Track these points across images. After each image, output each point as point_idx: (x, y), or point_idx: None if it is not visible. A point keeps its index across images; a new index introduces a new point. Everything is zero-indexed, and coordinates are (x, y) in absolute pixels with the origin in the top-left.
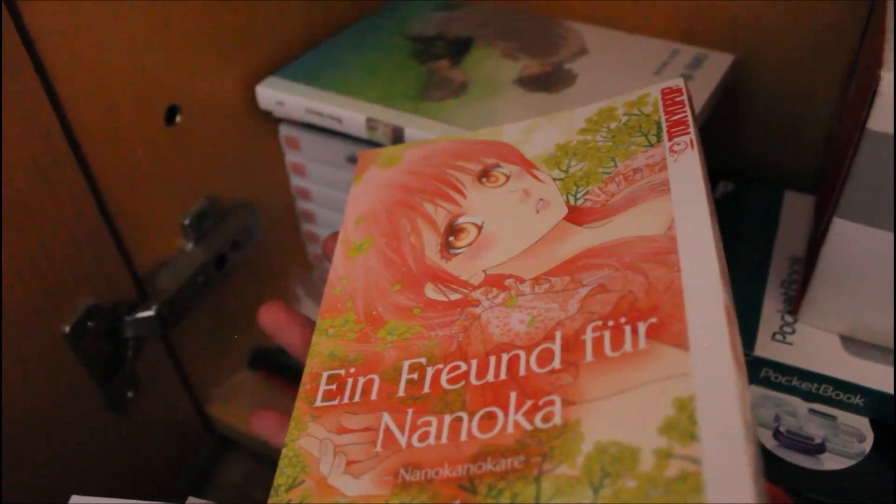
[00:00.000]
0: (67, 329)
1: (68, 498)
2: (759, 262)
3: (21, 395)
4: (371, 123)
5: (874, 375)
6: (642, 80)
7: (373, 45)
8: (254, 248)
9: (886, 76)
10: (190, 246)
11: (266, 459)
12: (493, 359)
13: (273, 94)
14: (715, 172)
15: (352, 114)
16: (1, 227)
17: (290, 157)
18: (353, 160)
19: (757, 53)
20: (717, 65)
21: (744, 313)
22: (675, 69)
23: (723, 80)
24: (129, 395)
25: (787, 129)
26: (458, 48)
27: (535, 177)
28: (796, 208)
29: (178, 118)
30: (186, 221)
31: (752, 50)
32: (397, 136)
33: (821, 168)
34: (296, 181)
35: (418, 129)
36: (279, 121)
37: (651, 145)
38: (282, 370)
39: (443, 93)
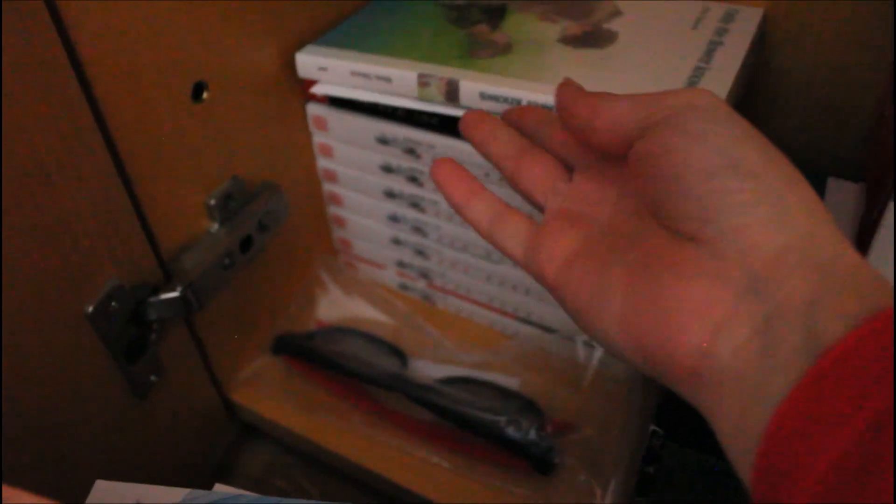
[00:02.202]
0: (90, 309)
1: (92, 483)
2: None
3: (42, 376)
4: (423, 79)
5: None
6: (682, 35)
7: (407, 13)
8: (278, 232)
9: None
10: (215, 227)
11: (290, 447)
12: None
13: (315, 60)
14: None
15: (402, 72)
16: (23, 201)
17: (318, 138)
18: (383, 141)
19: (789, 18)
20: (749, 18)
21: None
22: (710, 24)
23: (758, 32)
24: (153, 379)
25: (828, 112)
26: (494, 14)
27: None
28: (841, 195)
29: (204, 95)
30: (212, 202)
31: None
32: (452, 90)
33: (871, 153)
34: (323, 163)
35: (474, 81)
36: (307, 100)
37: None
38: (305, 355)
39: (489, 52)
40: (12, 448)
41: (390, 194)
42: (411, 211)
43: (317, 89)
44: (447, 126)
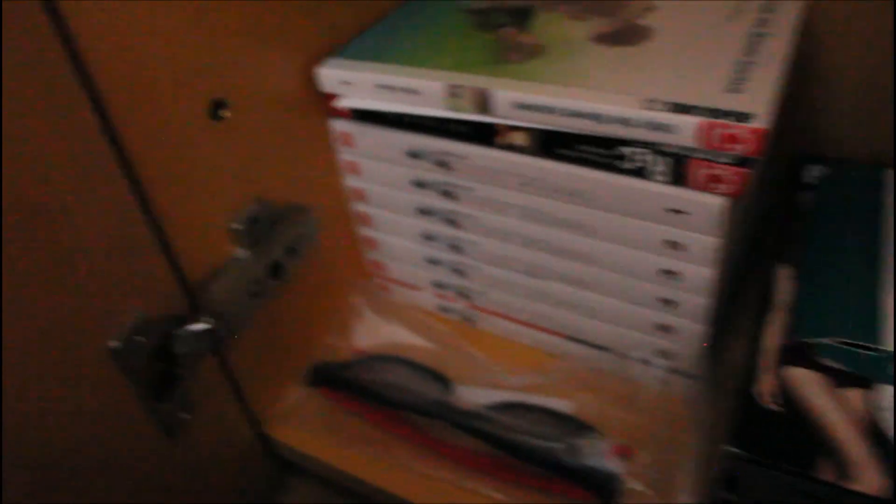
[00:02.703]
0: (115, 344)
1: None
2: (869, 245)
3: (65, 418)
4: (452, 90)
5: None
6: (720, 29)
7: (430, 21)
8: (307, 257)
9: None
10: (242, 252)
11: (331, 484)
12: None
13: (337, 74)
14: (803, 157)
15: (429, 83)
16: (38, 233)
17: (344, 155)
18: (413, 154)
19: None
20: (790, 8)
21: (859, 303)
22: (748, 16)
23: (800, 21)
24: (183, 416)
25: (881, 103)
26: (520, 15)
27: None
28: None
29: (224, 113)
30: (237, 226)
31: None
32: (483, 100)
33: None
34: (350, 181)
35: (507, 89)
36: (331, 115)
37: None
38: (344, 386)
39: (520, 55)
40: (38, 493)
41: (423, 211)
42: (446, 227)
43: (341, 103)
44: (480, 134)
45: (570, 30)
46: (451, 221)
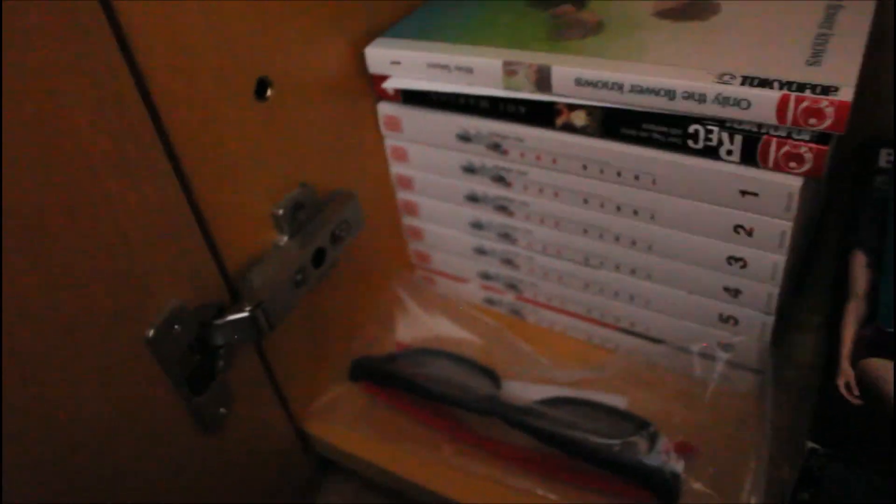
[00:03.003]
0: (151, 333)
1: None
2: None
3: (100, 409)
4: (510, 67)
5: None
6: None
7: None
8: (350, 246)
9: None
10: (284, 240)
11: (372, 482)
12: None
13: (387, 54)
14: (877, 140)
15: (485, 60)
16: (76, 215)
17: (391, 140)
18: (464, 137)
19: None
20: None
21: None
22: None
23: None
24: (222, 411)
25: None
26: None
27: None
28: None
29: (269, 92)
30: (280, 212)
31: None
32: (543, 77)
33: None
34: (396, 168)
35: (567, 65)
36: (378, 98)
37: None
38: (387, 380)
39: (579, 32)
40: (71, 487)
41: (473, 198)
42: (497, 215)
43: (390, 83)
44: (536, 115)
45: (632, 6)
46: (503, 208)
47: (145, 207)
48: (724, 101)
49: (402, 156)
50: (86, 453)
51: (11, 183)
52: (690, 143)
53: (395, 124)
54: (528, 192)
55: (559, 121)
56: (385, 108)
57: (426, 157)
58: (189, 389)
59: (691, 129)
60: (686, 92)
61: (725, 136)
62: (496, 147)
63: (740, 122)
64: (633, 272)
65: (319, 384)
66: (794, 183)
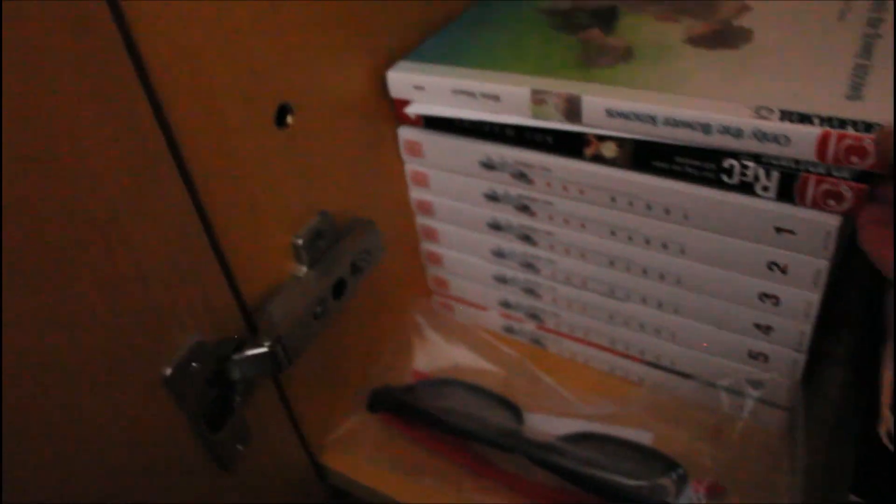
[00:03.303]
0: (168, 372)
1: None
2: None
3: (115, 449)
4: (538, 96)
5: None
6: (828, 29)
7: (506, 22)
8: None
9: None
10: (304, 270)
11: None
12: None
13: (409, 78)
14: None
15: (512, 88)
16: (91, 248)
17: (411, 166)
18: (488, 165)
19: None
20: None
21: None
22: (859, 14)
23: None
24: (239, 448)
25: None
26: (604, 17)
27: None
28: None
29: (289, 119)
30: (299, 241)
31: None
32: (572, 108)
33: None
34: (416, 194)
35: (598, 95)
36: (399, 123)
37: None
38: (406, 412)
39: (609, 59)
40: None
41: (495, 226)
42: (520, 244)
43: (412, 109)
44: (565, 145)
45: (661, 32)
46: (526, 238)
47: (164, 242)
48: (762, 136)
49: (422, 181)
50: (100, 491)
51: (31, 218)
52: (724, 177)
53: (416, 149)
54: (553, 222)
55: (588, 151)
56: (406, 133)
57: (448, 183)
58: (206, 426)
59: (726, 163)
60: (722, 126)
61: (762, 171)
62: (521, 176)
63: (777, 158)
64: (659, 305)
65: (336, 414)
66: (833, 222)
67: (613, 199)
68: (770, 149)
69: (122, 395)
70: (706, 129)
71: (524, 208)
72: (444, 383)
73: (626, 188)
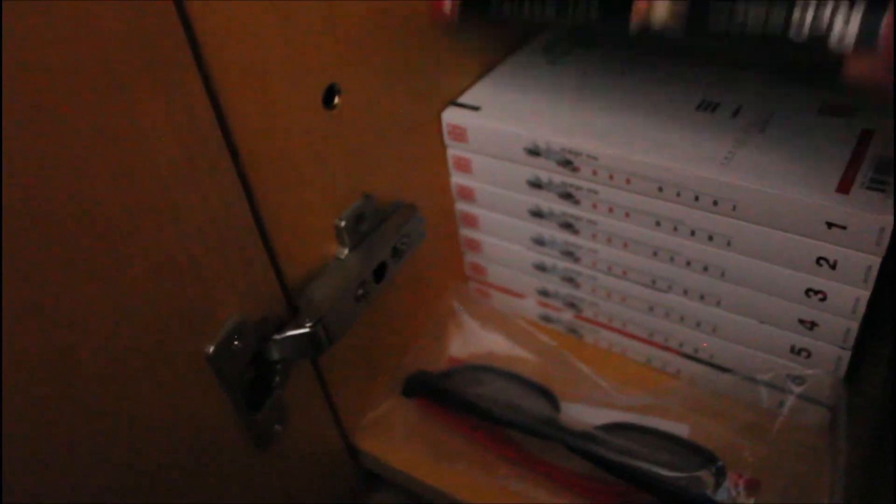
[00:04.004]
0: (211, 349)
1: None
2: None
3: (158, 426)
4: None
5: None
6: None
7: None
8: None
9: None
10: (345, 252)
11: (418, 499)
12: None
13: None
14: None
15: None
16: (143, 224)
17: (454, 150)
18: (534, 152)
19: None
20: None
21: None
22: None
23: None
24: (277, 428)
25: None
26: None
27: None
28: None
29: (336, 100)
30: (342, 223)
31: None
32: None
33: None
34: (457, 179)
35: None
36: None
37: None
38: (441, 397)
39: None
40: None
41: (537, 213)
42: (562, 233)
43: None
44: (610, 8)
45: None
46: (569, 226)
47: (211, 219)
48: None
49: (465, 166)
50: (142, 469)
51: (79, 192)
52: (793, 33)
53: (460, 134)
54: (597, 211)
55: (635, 17)
56: (450, 116)
57: (490, 169)
58: (246, 406)
59: (796, 13)
60: None
61: (840, 14)
62: (567, 163)
63: None
64: (702, 298)
65: (371, 398)
66: (886, 217)
67: (661, 189)
68: None
69: (167, 372)
70: None
71: (568, 196)
72: (479, 369)
73: (673, 178)
